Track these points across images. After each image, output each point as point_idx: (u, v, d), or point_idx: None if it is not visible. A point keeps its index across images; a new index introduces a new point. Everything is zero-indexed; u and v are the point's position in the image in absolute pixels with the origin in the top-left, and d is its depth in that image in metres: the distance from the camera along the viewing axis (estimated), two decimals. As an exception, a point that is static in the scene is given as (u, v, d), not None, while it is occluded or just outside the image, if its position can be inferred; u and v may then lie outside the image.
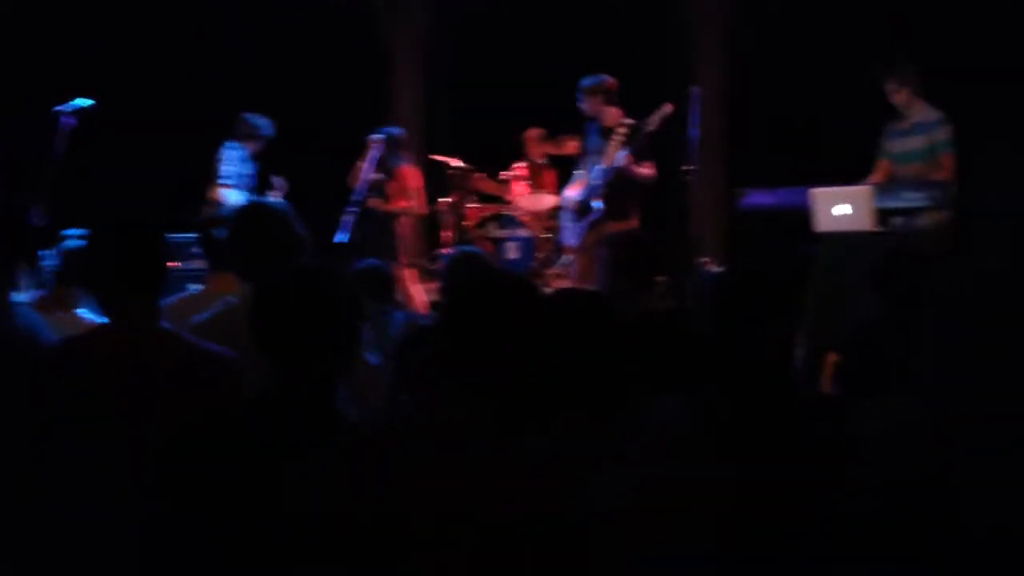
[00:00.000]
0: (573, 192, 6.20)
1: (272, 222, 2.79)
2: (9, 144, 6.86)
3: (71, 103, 5.37)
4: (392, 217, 6.55)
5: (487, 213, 7.80)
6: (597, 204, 5.98)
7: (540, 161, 7.91)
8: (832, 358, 4.30)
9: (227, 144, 6.33)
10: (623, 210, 5.95)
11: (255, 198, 6.03)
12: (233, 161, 6.30)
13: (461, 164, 8.00)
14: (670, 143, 7.66)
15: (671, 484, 1.89)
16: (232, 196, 6.16)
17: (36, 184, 5.23)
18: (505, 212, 7.73)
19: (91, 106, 5.33)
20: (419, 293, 6.70)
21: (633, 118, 5.95)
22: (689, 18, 8.30)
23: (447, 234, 8.08)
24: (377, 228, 6.57)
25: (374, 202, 6.46)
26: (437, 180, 8.35)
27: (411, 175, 6.59)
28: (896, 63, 5.66)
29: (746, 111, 7.95)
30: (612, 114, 6.00)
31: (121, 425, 2.15)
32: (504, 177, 8.03)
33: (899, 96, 5.56)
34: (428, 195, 8.38)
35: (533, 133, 7.92)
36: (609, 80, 6.01)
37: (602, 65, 6.24)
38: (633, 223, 5.95)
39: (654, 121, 5.85)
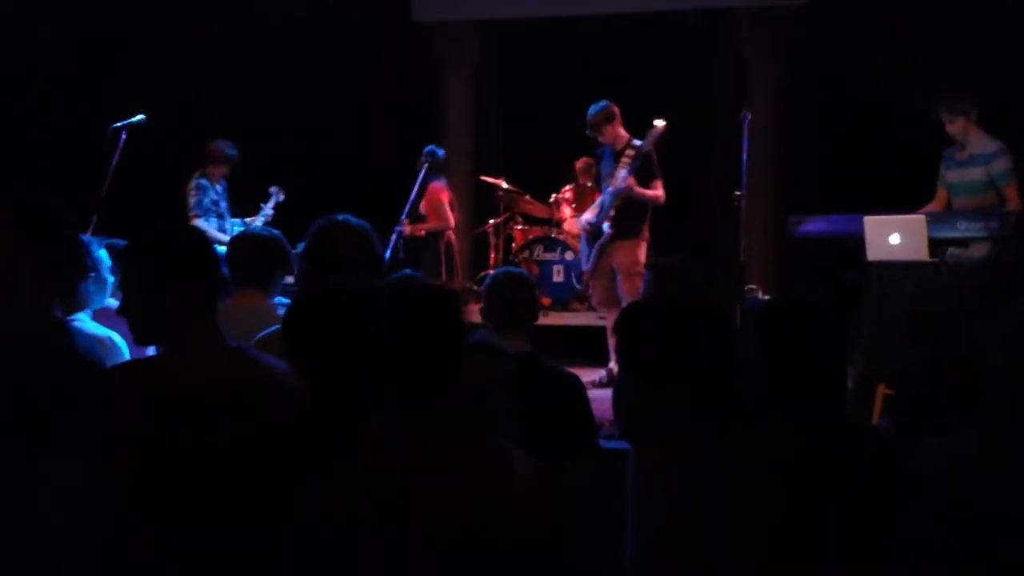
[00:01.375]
0: (588, 215, 6.23)
1: (353, 240, 2.74)
2: (68, 158, 7.03)
3: (128, 120, 5.55)
4: (432, 237, 6.60)
5: (534, 235, 7.81)
6: (606, 227, 5.99)
7: (587, 185, 7.90)
8: (883, 391, 4.21)
9: (195, 175, 6.50)
10: (630, 231, 5.96)
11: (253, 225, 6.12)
12: (201, 190, 6.44)
13: (509, 186, 8.02)
14: (720, 167, 7.63)
15: (722, 510, 1.86)
16: (203, 226, 6.32)
17: (94, 197, 5.39)
18: (552, 235, 7.72)
19: (142, 121, 5.55)
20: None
21: (638, 140, 5.98)
22: (741, 43, 8.26)
23: (493, 255, 8.10)
24: (421, 250, 6.61)
25: (411, 226, 6.46)
26: (486, 201, 8.38)
27: (438, 192, 6.62)
28: (948, 92, 5.50)
29: (799, 137, 7.89)
30: (621, 137, 6.04)
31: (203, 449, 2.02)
32: (552, 200, 8.04)
33: (954, 127, 5.38)
34: (477, 216, 8.44)
35: (581, 163, 7.93)
36: (612, 105, 6.06)
37: (653, 90, 6.25)
38: (641, 244, 5.97)
39: (649, 142, 5.89)
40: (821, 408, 2.06)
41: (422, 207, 6.62)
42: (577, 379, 3.12)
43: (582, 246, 6.36)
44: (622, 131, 6.06)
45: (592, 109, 6.07)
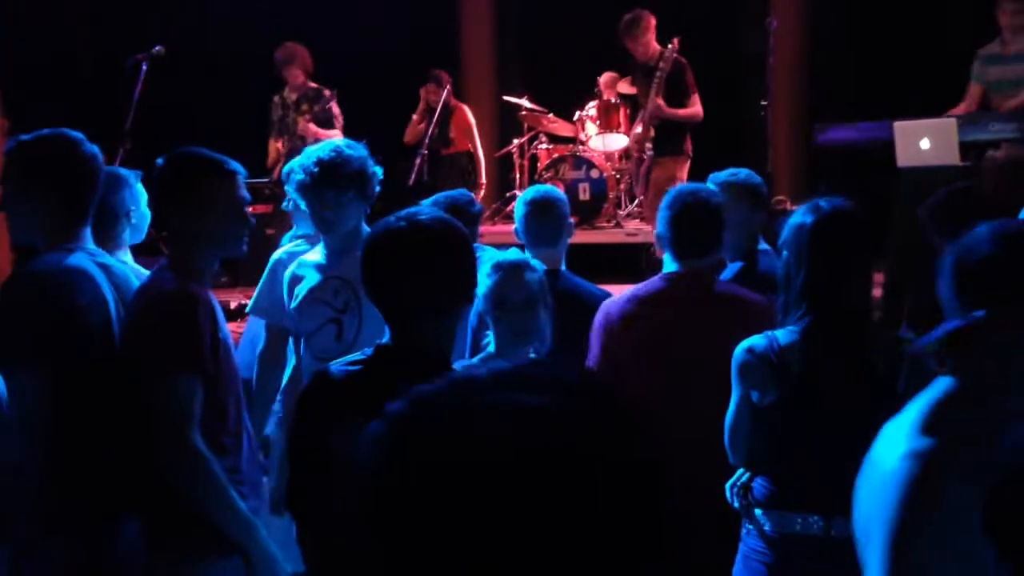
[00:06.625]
0: (635, 137, 6.17)
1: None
2: (92, 90, 7.04)
3: (146, 52, 5.55)
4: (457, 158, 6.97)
5: (558, 154, 7.74)
6: (647, 148, 5.92)
7: (612, 100, 7.80)
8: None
9: None
10: (668, 148, 5.84)
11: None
12: (272, 108, 6.37)
13: (532, 105, 7.94)
14: (746, 77, 7.49)
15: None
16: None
17: (119, 127, 5.42)
18: (577, 153, 7.65)
19: (159, 51, 5.51)
20: None
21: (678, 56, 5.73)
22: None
23: (518, 176, 8.06)
24: (445, 171, 6.86)
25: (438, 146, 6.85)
26: (508, 121, 8.30)
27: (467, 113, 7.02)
28: None
29: (827, 43, 7.71)
30: (653, 51, 5.79)
31: None
32: (576, 118, 7.95)
33: (1008, 17, 5.16)
34: (500, 137, 8.39)
35: (605, 78, 7.79)
36: (645, 14, 5.78)
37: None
38: (680, 160, 5.83)
39: (665, 66, 5.66)
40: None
41: (453, 129, 6.97)
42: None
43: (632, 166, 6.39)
44: (654, 44, 5.79)
45: (626, 18, 5.81)
